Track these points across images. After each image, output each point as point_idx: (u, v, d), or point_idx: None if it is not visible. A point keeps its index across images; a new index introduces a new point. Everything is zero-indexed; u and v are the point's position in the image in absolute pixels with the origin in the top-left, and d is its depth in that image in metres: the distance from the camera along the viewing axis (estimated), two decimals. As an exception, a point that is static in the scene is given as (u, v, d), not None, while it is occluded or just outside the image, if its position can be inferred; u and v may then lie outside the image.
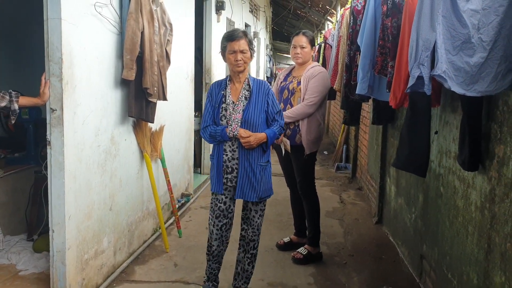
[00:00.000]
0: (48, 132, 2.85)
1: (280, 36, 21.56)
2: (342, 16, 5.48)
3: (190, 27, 5.32)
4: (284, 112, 3.77)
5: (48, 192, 2.93)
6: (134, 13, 3.32)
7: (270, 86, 3.14)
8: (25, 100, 2.81)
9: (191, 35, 5.37)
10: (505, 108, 2.21)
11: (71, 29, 2.82)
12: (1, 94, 2.68)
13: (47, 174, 2.96)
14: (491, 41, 1.88)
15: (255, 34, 11.49)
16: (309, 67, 3.86)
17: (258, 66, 13.55)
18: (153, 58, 3.58)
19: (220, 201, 3.08)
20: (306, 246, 3.97)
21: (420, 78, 2.00)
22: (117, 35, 3.42)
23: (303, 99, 3.75)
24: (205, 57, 6.58)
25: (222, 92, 3.07)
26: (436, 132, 3.11)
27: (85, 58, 3.01)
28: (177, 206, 4.85)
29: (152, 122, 3.87)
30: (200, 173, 6.60)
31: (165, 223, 4.55)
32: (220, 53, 3.13)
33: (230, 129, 2.99)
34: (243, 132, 2.96)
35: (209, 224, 3.15)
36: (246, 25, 9.95)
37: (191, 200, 5.48)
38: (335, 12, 10.28)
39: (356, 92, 3.48)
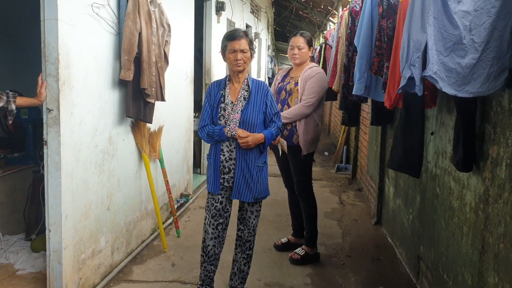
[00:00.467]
0: (44, 132, 2.87)
1: (283, 36, 21.57)
2: (341, 17, 5.48)
3: (189, 28, 5.34)
4: (281, 113, 3.78)
5: (45, 191, 2.95)
6: (132, 14, 3.34)
7: (269, 87, 3.15)
8: (22, 101, 2.82)
9: (190, 36, 5.38)
10: (499, 109, 2.21)
11: (68, 29, 2.83)
12: (-2, 94, 2.70)
13: (45, 174, 2.97)
14: (483, 42, 1.88)
15: (256, 34, 11.50)
16: (307, 68, 3.88)
17: (259, 67, 13.56)
18: (151, 58, 3.60)
19: (217, 201, 3.09)
20: (303, 246, 3.97)
21: (411, 78, 2.01)
22: (115, 36, 3.43)
23: (301, 99, 3.76)
24: (205, 57, 6.59)
25: (221, 92, 3.08)
26: (432, 133, 3.11)
27: (82, 58, 3.02)
28: (176, 206, 4.87)
29: (150, 123, 3.89)
30: (200, 173, 6.62)
31: (164, 223, 4.57)
32: (220, 53, 3.14)
33: (228, 129, 2.99)
34: (241, 132, 2.97)
35: (204, 223, 3.15)
36: (247, 26, 9.96)
37: (190, 200, 5.49)
38: (336, 12, 10.28)
39: (352, 93, 3.49)
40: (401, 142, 2.54)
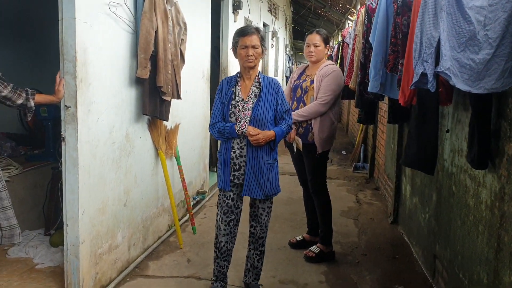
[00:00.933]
0: (62, 129, 2.93)
1: (301, 35, 21.51)
2: (358, 14, 5.46)
3: (206, 26, 5.37)
4: (296, 111, 3.78)
5: (63, 187, 3.01)
6: (148, 13, 3.38)
7: (280, 84, 3.15)
8: (41, 98, 2.88)
9: (207, 35, 5.42)
10: (515, 105, 2.18)
11: (85, 28, 2.88)
12: (18, 91, 2.76)
13: (63, 170, 3.03)
14: (498, 37, 1.86)
15: (274, 33, 11.50)
16: (323, 66, 3.86)
17: (277, 66, 13.55)
18: (167, 57, 3.63)
19: (228, 198, 3.11)
20: (318, 244, 3.97)
21: (424, 75, 1.99)
22: (132, 34, 3.48)
23: (316, 97, 3.75)
24: (222, 56, 6.62)
25: (232, 89, 3.08)
26: (448, 131, 3.08)
27: (99, 56, 3.07)
28: (192, 203, 4.91)
29: (167, 120, 3.93)
30: (216, 171, 6.63)
31: (180, 220, 4.62)
32: (232, 49, 3.15)
33: (239, 126, 3.00)
34: (252, 130, 2.97)
35: (217, 220, 3.18)
36: (264, 25, 9.98)
37: (206, 198, 5.53)
38: (355, 11, 10.22)
39: (368, 90, 3.47)
40: (415, 139, 2.52)
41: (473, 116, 2.32)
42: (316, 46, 3.86)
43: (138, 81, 3.57)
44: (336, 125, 3.93)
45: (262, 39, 3.05)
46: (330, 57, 8.69)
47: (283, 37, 14.77)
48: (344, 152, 9.17)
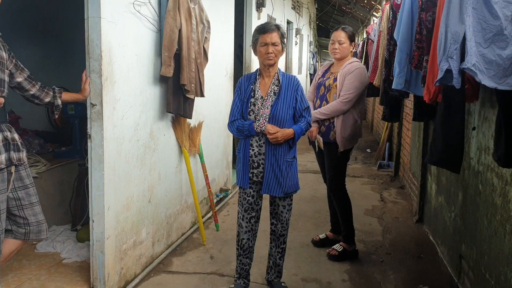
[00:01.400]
0: (88, 126, 2.98)
1: (325, 32, 21.37)
2: (382, 10, 5.39)
3: (229, 24, 5.39)
4: (318, 109, 3.76)
5: (89, 183, 3.07)
6: (172, 11, 3.41)
7: (299, 81, 3.13)
8: (67, 96, 2.94)
9: (230, 33, 5.44)
10: (544, 102, 2.12)
11: (110, 27, 2.93)
12: (46, 90, 2.82)
13: (89, 167, 3.09)
14: (526, 32, 1.81)
15: (298, 31, 11.45)
16: (347, 63, 3.82)
17: (301, 63, 13.50)
18: (191, 55, 3.66)
19: (248, 195, 3.11)
20: (341, 243, 3.94)
21: (449, 71, 1.96)
22: (156, 33, 3.52)
23: (339, 95, 3.72)
24: (245, 54, 6.63)
25: (251, 87, 3.08)
26: (474, 128, 3.02)
27: (124, 55, 3.12)
28: (215, 200, 4.94)
29: (190, 118, 3.96)
30: (239, 168, 6.66)
31: (203, 216, 4.65)
32: (251, 46, 3.14)
33: (257, 124, 3.00)
34: (271, 128, 2.96)
35: (238, 217, 3.19)
36: (288, 22, 9.95)
37: (230, 195, 5.56)
38: (380, 7, 10.09)
39: (392, 87, 3.42)
40: (440, 137, 2.47)
41: (500, 113, 2.26)
42: (341, 43, 3.82)
43: (162, 79, 3.61)
44: (361, 123, 3.88)
45: (283, 36, 3.03)
46: (354, 54, 8.60)
47: (307, 34, 14.71)
48: (368, 150, 9.08)
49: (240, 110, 3.08)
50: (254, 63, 6.68)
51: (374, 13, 11.97)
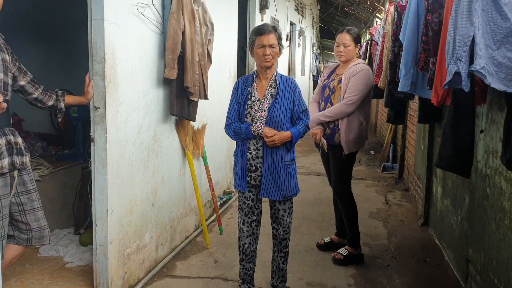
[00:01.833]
0: (91, 129, 2.96)
1: (328, 34, 21.33)
2: (387, 12, 5.36)
3: (233, 26, 5.37)
4: (322, 111, 3.73)
5: (92, 187, 3.04)
6: (176, 13, 3.39)
7: (297, 83, 3.09)
8: (70, 99, 2.92)
9: (234, 35, 5.41)
10: (554, 105, 2.09)
11: (113, 29, 2.91)
12: (49, 93, 2.80)
13: (92, 170, 3.07)
14: (537, 34, 1.78)
15: (301, 32, 11.43)
16: (352, 65, 3.79)
17: (304, 65, 13.46)
18: (194, 57, 3.64)
19: (248, 199, 3.08)
20: (346, 247, 3.90)
21: (457, 74, 1.92)
22: (159, 35, 3.49)
23: (343, 97, 3.69)
24: (248, 56, 6.61)
25: (248, 89, 3.03)
26: (481, 131, 2.98)
27: (127, 57, 3.09)
28: (218, 203, 4.91)
29: (194, 121, 3.94)
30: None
31: (207, 220, 4.62)
32: (248, 48, 3.10)
33: (254, 127, 2.96)
34: (268, 131, 2.92)
35: (238, 222, 3.15)
36: (291, 24, 9.93)
37: (233, 198, 5.53)
38: (383, 8, 10.06)
39: (398, 90, 3.39)
40: (450, 141, 2.43)
41: (509, 115, 2.22)
42: (346, 46, 3.78)
43: (165, 82, 3.59)
44: (366, 126, 3.84)
45: (280, 38, 2.98)
46: (358, 56, 8.57)
47: (310, 35, 14.68)
48: (372, 152, 9.04)
49: (237, 113, 3.03)
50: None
51: (377, 14, 11.93)
